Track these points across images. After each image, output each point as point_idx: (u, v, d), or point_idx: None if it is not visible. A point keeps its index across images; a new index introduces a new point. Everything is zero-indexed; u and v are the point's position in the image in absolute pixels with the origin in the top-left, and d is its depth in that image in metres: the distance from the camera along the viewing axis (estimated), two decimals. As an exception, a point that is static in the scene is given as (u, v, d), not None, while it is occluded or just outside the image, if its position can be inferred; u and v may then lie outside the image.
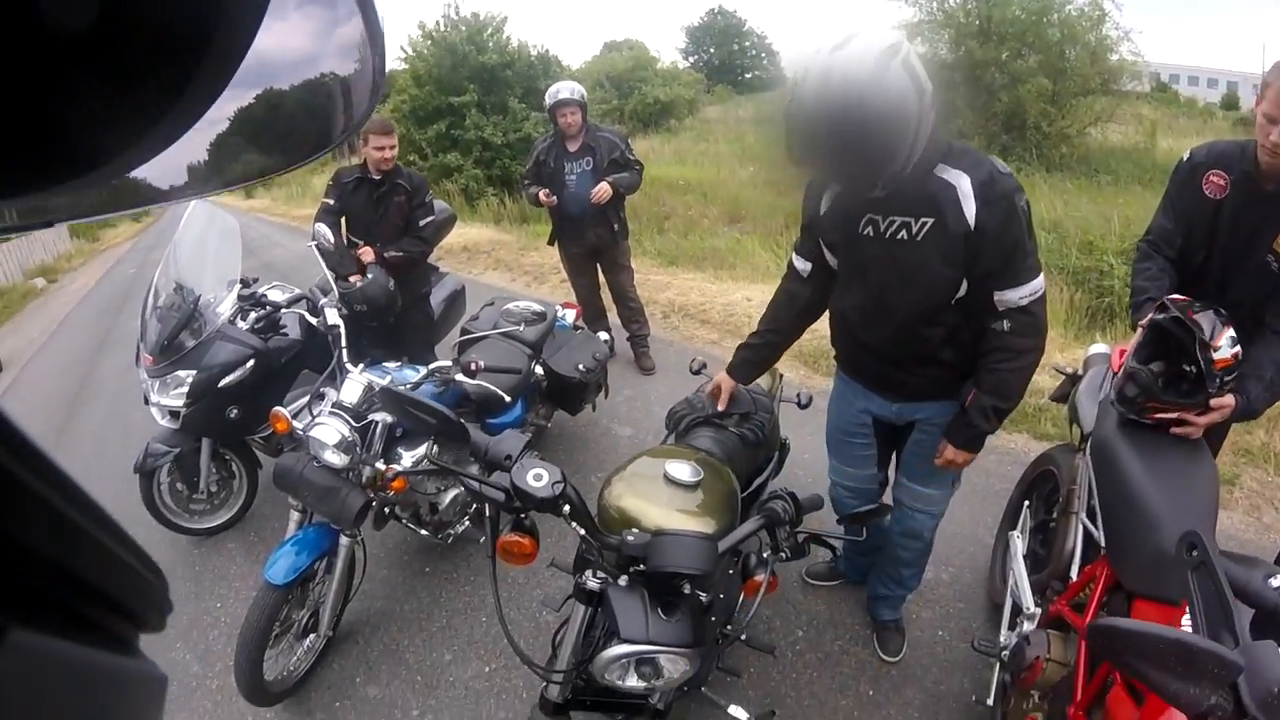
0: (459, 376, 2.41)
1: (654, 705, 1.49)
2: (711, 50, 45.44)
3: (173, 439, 3.07)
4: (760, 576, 1.50)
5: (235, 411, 3.00)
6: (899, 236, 1.70)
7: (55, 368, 7.20)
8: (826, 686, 2.34)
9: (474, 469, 1.66)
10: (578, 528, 1.37)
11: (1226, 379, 1.70)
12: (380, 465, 2.29)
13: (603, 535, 1.40)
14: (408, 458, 2.39)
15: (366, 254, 3.51)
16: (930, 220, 1.65)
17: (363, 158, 3.60)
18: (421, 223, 3.68)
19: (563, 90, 4.17)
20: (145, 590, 0.30)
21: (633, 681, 1.34)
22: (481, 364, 2.40)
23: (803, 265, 2.00)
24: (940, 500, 2.13)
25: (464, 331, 3.35)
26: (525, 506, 1.35)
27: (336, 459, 2.20)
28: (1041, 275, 1.70)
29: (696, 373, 2.43)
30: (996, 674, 1.96)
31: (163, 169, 0.30)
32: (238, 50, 0.27)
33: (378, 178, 3.55)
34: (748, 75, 45.23)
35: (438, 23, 15.17)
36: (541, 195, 4.23)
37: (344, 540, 2.29)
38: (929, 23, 14.23)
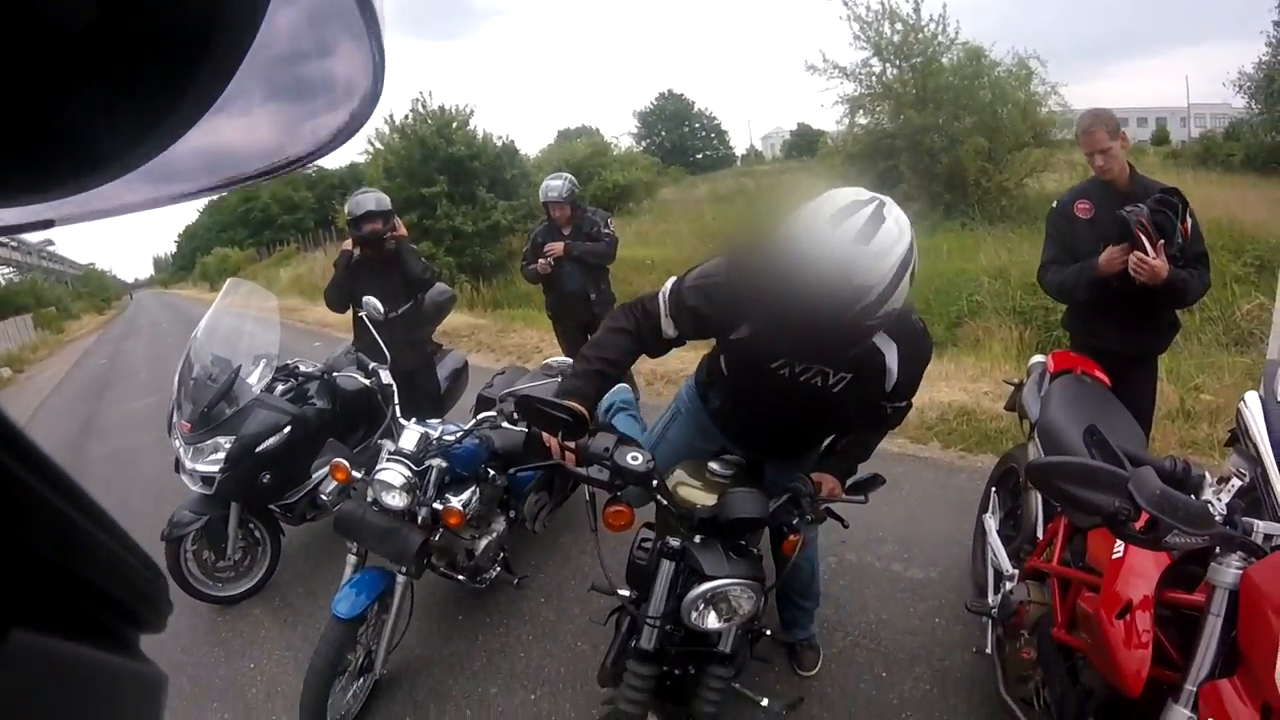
0: (504, 424, 2.66)
1: (723, 650, 1.76)
2: (663, 133, 46.96)
3: (201, 506, 3.21)
4: (795, 536, 1.82)
5: (268, 477, 3.19)
6: (813, 382, 1.75)
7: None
8: (844, 673, 2.58)
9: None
10: (662, 499, 1.72)
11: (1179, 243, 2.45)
12: (437, 506, 2.52)
13: (681, 504, 1.76)
14: (456, 501, 2.60)
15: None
16: (849, 376, 1.72)
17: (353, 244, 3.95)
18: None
19: (551, 191, 4.71)
20: (145, 590, 0.30)
21: (711, 620, 1.65)
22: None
23: (671, 331, 1.82)
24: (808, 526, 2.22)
25: (480, 399, 3.51)
26: (624, 483, 1.68)
27: (398, 501, 2.43)
28: None
29: None
30: (990, 628, 2.24)
31: (162, 171, 0.30)
32: (238, 51, 0.27)
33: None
34: (699, 155, 46.75)
35: (407, 116, 15.78)
36: (541, 263, 4.71)
37: (400, 580, 2.49)
38: (869, 95, 15.16)
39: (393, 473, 2.44)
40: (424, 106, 15.77)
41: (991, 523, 2.55)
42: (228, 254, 46.53)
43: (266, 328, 3.54)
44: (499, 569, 3.05)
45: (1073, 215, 2.86)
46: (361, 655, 2.54)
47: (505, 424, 2.67)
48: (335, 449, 3.45)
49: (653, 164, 28.99)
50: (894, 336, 1.66)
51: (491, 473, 2.85)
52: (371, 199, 3.89)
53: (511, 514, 3.10)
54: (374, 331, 3.49)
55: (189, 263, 60.85)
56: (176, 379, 3.26)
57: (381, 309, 3.60)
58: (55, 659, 0.22)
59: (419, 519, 2.50)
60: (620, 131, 64.26)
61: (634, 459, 1.64)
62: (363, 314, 3.51)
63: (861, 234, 1.38)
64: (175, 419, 3.18)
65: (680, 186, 28.29)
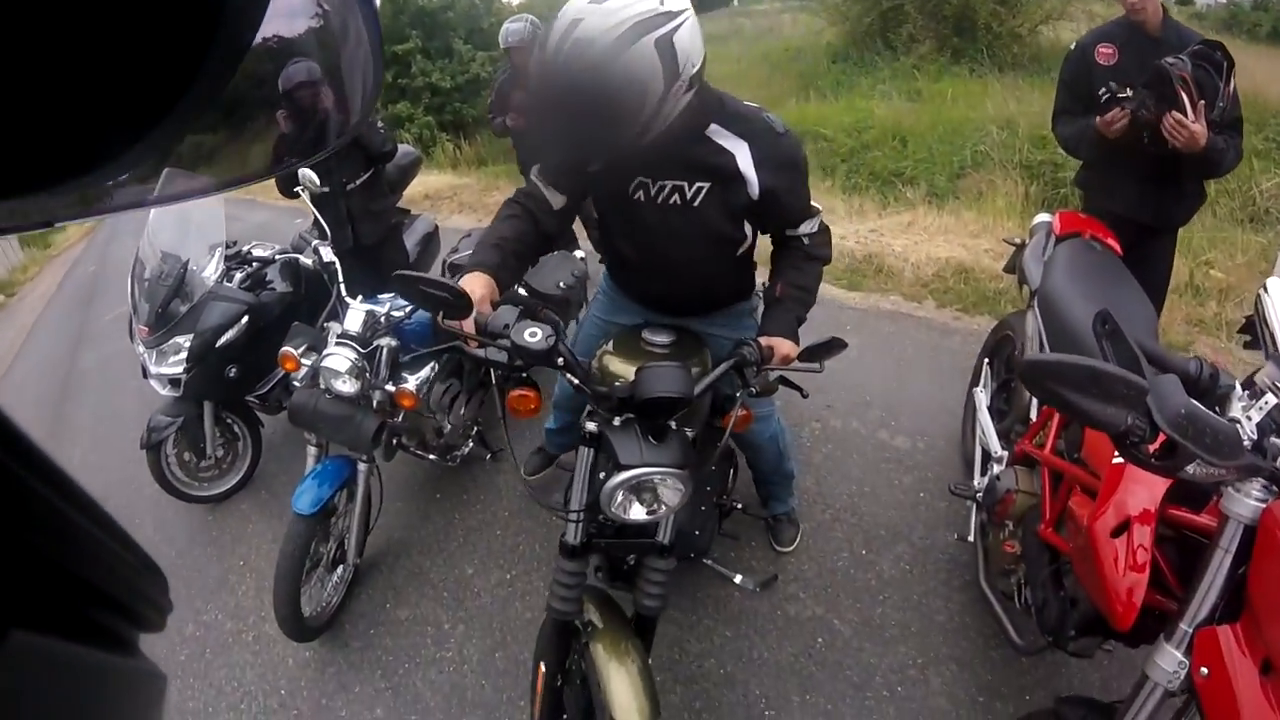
0: None
1: (660, 542, 1.65)
2: None
3: (174, 408, 3.12)
4: (731, 410, 1.67)
5: (234, 370, 3.06)
6: (672, 200, 1.67)
7: (35, 374, 7.09)
8: (822, 549, 2.55)
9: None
10: (570, 377, 1.55)
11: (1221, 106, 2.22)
12: (390, 388, 2.40)
13: (594, 384, 1.58)
14: (412, 380, 2.49)
15: None
16: (706, 185, 1.63)
17: None
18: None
19: (512, 35, 4.24)
20: (145, 590, 0.30)
21: (637, 511, 1.50)
22: None
23: (556, 199, 1.77)
24: (764, 402, 2.13)
25: (447, 265, 3.41)
26: (526, 363, 1.54)
27: (348, 386, 2.30)
28: (818, 208, 1.81)
29: None
30: (974, 514, 2.17)
31: (162, 170, 0.30)
32: (238, 52, 0.27)
33: None
34: None
35: (372, -32, 14.50)
36: (509, 119, 4.38)
37: (362, 468, 2.42)
38: (871, -77, 13.76)
39: (338, 358, 2.30)
40: (390, -43, 14.41)
41: (982, 398, 2.42)
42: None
43: (212, 215, 3.26)
44: (472, 444, 2.99)
45: (1092, 60, 2.53)
46: (334, 546, 2.52)
47: None
48: (300, 332, 3.29)
49: None
50: (741, 135, 1.59)
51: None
52: (303, 68, 3.39)
53: (479, 391, 3.01)
54: (313, 208, 3.22)
55: None
56: (129, 282, 3.05)
57: (317, 181, 3.29)
58: (55, 659, 0.22)
59: (374, 403, 2.40)
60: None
61: (532, 335, 1.47)
62: (298, 189, 3.23)
63: (586, 5, 1.31)
64: (134, 324, 3.00)
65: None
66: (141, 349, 3.00)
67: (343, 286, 2.67)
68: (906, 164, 7.70)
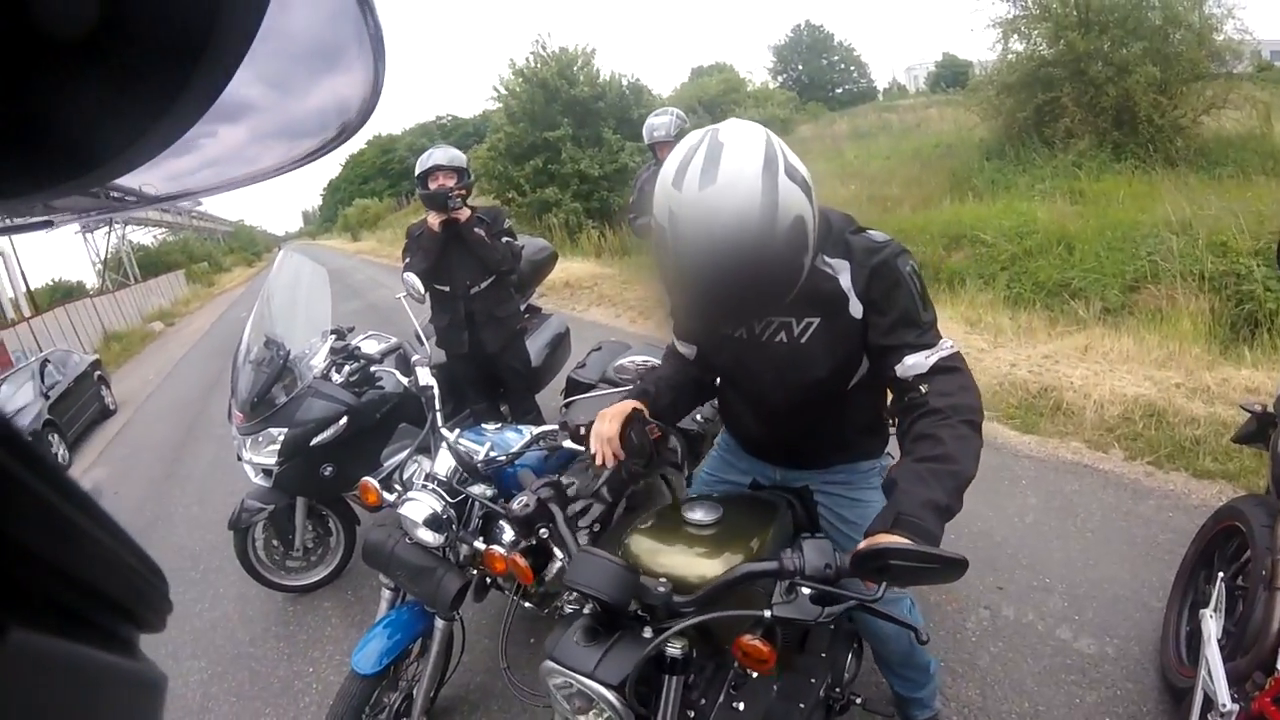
0: (566, 443, 2.11)
1: None
2: (800, 67, 44.97)
3: (267, 495, 3.04)
4: (747, 638, 1.20)
5: (330, 469, 2.92)
6: (777, 339, 1.49)
7: (168, 410, 7.55)
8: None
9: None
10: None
11: None
12: (480, 545, 2.04)
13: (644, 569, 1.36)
14: (507, 538, 2.11)
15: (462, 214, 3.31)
16: (816, 319, 1.45)
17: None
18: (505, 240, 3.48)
19: (658, 130, 4.16)
20: (145, 590, 0.29)
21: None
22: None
23: (687, 349, 1.76)
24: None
25: (569, 382, 3.10)
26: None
27: (429, 537, 2.00)
28: (948, 342, 1.39)
29: None
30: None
31: (163, 170, 0.31)
32: (238, 51, 0.26)
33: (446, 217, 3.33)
34: (838, 90, 44.65)
35: (527, 59, 15.47)
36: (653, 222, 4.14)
37: (440, 624, 2.10)
38: (1024, 18, 13.31)
39: (419, 505, 2.00)
40: (544, 48, 15.38)
41: (1213, 626, 1.81)
42: (368, 204, 48.93)
43: (320, 300, 3.21)
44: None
45: None
46: (399, 699, 2.21)
47: (569, 443, 2.10)
48: (407, 434, 3.13)
49: (790, 99, 27.93)
50: (843, 255, 1.41)
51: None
52: (442, 154, 3.33)
53: (595, 528, 2.63)
54: (412, 316, 3.08)
55: (333, 215, 64.43)
56: (232, 364, 3.00)
57: (420, 289, 3.18)
58: (54, 659, 0.22)
59: (460, 556, 2.08)
60: (755, 66, 62.07)
61: (519, 502, 1.34)
62: (400, 296, 3.11)
63: (704, 176, 1.20)
64: (231, 407, 2.93)
65: (819, 123, 26.92)
66: (236, 433, 2.92)
67: (439, 415, 2.38)
68: (1073, 274, 7.07)
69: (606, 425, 1.59)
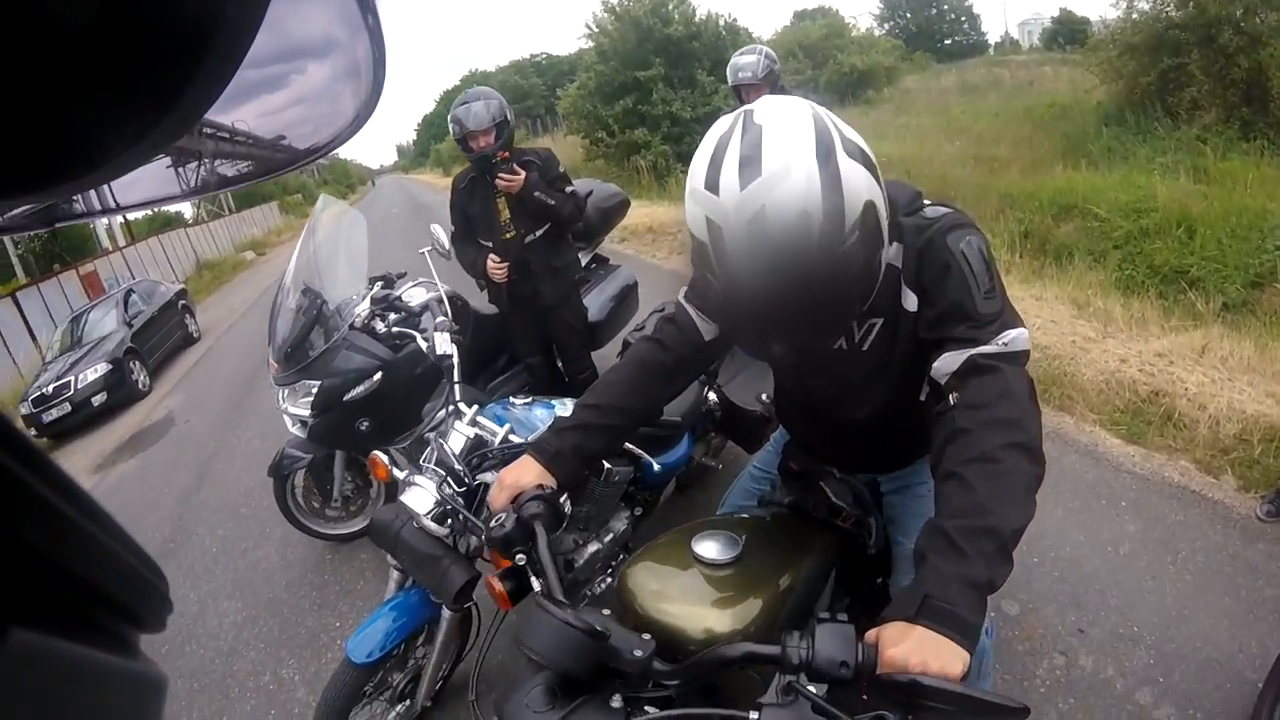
0: None
1: None
2: (908, 15, 43.09)
3: (306, 445, 2.98)
4: None
5: (366, 424, 2.78)
6: (836, 346, 1.26)
7: (246, 341, 7.72)
8: None
9: None
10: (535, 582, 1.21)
11: None
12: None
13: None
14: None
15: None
16: (879, 321, 1.22)
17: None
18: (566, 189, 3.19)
19: (744, 71, 3.89)
20: (145, 590, 0.28)
21: None
22: None
23: (707, 327, 1.39)
24: None
25: (625, 346, 2.78)
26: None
27: (435, 527, 1.83)
28: (1011, 334, 1.06)
29: None
30: None
31: (163, 170, 0.32)
32: (238, 51, 0.25)
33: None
34: (947, 41, 43.08)
35: (620, -4, 14.91)
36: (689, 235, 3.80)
37: (447, 613, 1.94)
38: (1154, -24, 11.99)
39: (423, 494, 1.81)
40: (637, -15, 14.74)
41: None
42: (459, 140, 49.61)
43: (358, 250, 3.02)
44: (611, 580, 2.30)
45: None
46: (404, 680, 2.10)
47: None
48: (442, 394, 2.95)
49: (895, 48, 26.44)
50: (897, 238, 1.15)
51: (606, 465, 2.08)
52: (479, 111, 2.94)
53: (637, 510, 2.39)
54: (433, 273, 2.85)
55: (426, 149, 64.97)
56: (270, 313, 2.85)
57: (446, 243, 2.94)
58: (54, 659, 0.21)
59: (469, 547, 1.91)
60: (861, 11, 59.23)
61: (496, 520, 1.20)
62: (424, 251, 2.89)
63: (745, 170, 0.96)
64: (269, 356, 2.81)
65: (925, 75, 25.55)
66: (273, 382, 2.83)
67: (457, 389, 2.19)
68: (1192, 260, 6.36)
69: (502, 495, 1.30)
